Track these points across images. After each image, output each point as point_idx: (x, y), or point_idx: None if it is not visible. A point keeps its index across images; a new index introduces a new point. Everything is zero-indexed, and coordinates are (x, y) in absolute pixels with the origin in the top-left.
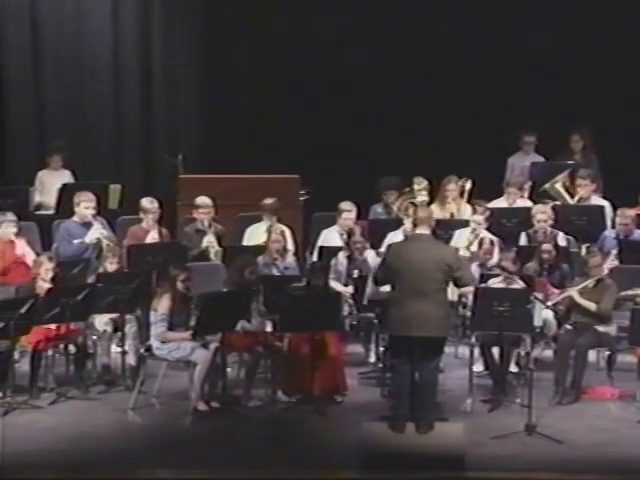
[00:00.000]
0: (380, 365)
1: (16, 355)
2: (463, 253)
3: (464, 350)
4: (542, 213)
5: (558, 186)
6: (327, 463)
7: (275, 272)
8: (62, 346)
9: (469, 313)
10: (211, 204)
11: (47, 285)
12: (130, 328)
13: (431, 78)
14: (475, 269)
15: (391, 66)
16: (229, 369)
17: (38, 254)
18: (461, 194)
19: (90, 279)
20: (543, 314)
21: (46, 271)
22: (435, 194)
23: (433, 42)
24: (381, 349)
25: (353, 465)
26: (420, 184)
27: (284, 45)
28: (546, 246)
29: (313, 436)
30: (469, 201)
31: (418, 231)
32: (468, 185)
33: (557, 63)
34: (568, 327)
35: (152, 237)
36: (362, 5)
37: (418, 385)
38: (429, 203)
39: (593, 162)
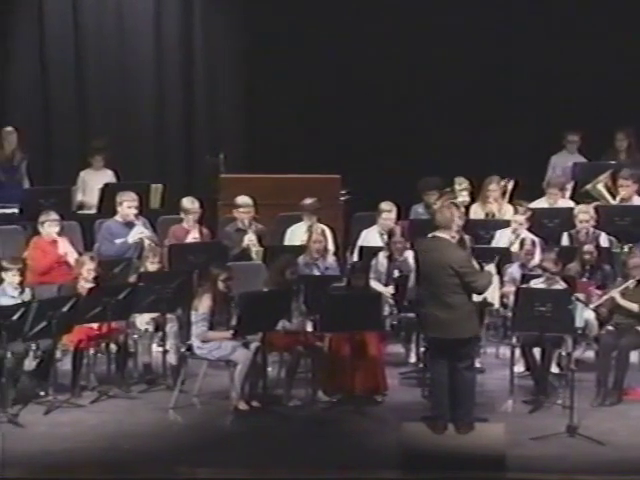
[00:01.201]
0: (420, 365)
1: (58, 354)
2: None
3: (505, 351)
4: (584, 213)
5: (600, 187)
6: (367, 463)
7: (316, 272)
8: (104, 345)
9: (510, 313)
10: (251, 203)
11: (89, 285)
12: (171, 327)
13: (474, 77)
14: (516, 270)
15: (433, 66)
16: (270, 368)
17: (80, 253)
18: (503, 194)
19: (131, 278)
20: (585, 315)
21: (88, 271)
22: (476, 194)
23: (474, 41)
24: (421, 349)
25: (393, 465)
26: (461, 184)
27: (327, 44)
28: (588, 247)
29: (353, 436)
30: (510, 201)
31: (437, 234)
32: (510, 185)
33: (603, 61)
34: (610, 328)
35: (193, 237)
36: (405, 5)
37: (455, 386)
38: (470, 203)
39: (638, 162)
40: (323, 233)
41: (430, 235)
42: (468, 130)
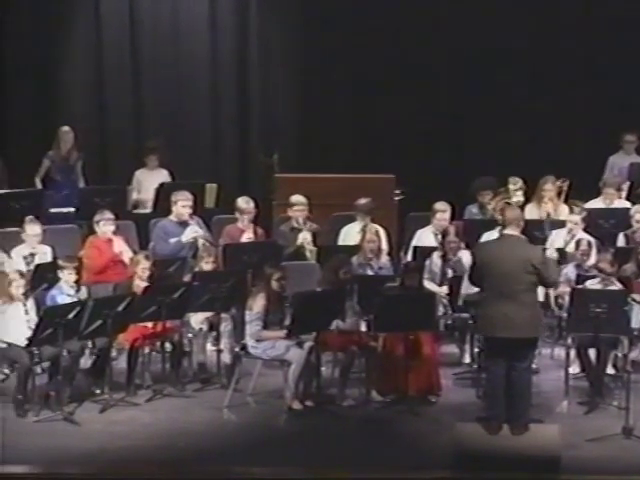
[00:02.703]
0: (475, 366)
1: (113, 353)
2: (551, 254)
3: (560, 352)
4: None
5: None
6: (420, 463)
7: (369, 272)
8: (158, 344)
9: (565, 314)
10: (305, 202)
11: (144, 284)
12: (225, 327)
13: (529, 77)
14: (572, 270)
15: (489, 65)
16: (323, 368)
17: (135, 252)
18: (558, 194)
19: (186, 278)
20: None
21: (143, 270)
22: (530, 194)
23: (530, 41)
24: (476, 350)
25: (446, 466)
26: (515, 184)
27: (381, 44)
28: None
29: (407, 436)
30: (566, 201)
31: (506, 232)
32: (566, 185)
33: None
34: None
35: (247, 237)
36: (457, 5)
37: (511, 386)
38: (524, 203)
39: None
40: (377, 233)
41: (498, 234)
42: (523, 129)
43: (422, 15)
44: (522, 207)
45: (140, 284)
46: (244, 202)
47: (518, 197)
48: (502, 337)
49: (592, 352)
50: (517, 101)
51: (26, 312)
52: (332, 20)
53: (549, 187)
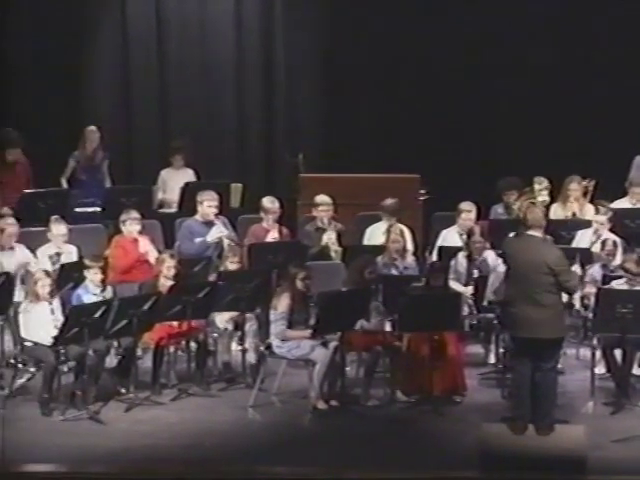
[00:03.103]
0: (500, 366)
1: (139, 352)
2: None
3: (585, 352)
4: None
5: None
6: (445, 463)
7: (394, 272)
8: (184, 343)
9: (591, 315)
10: (331, 202)
11: (169, 282)
12: (250, 326)
13: (553, 77)
14: (598, 270)
15: (514, 65)
16: (348, 368)
17: (160, 252)
18: (584, 194)
19: (211, 277)
20: None
21: (168, 268)
22: (556, 194)
23: (552, 40)
24: (501, 350)
25: (472, 466)
26: (541, 184)
27: (406, 44)
28: None
29: (432, 436)
30: (592, 201)
31: (528, 233)
32: (592, 185)
33: None
34: None
35: (272, 236)
36: (484, 5)
37: (536, 387)
38: (550, 203)
39: None
40: (402, 233)
41: (519, 234)
42: (548, 129)
43: (449, 15)
44: (547, 207)
45: (165, 283)
46: (269, 202)
47: (543, 197)
48: (526, 337)
49: (618, 352)
50: (543, 100)
51: (52, 311)
52: (358, 20)
53: (575, 187)
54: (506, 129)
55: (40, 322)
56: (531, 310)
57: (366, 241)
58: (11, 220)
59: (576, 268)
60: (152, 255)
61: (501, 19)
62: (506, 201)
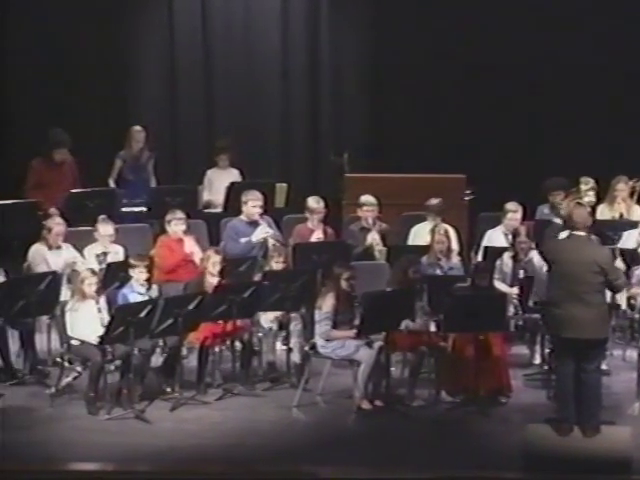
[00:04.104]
0: (545, 367)
1: (184, 351)
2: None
3: (632, 353)
4: None
5: None
6: (490, 464)
7: (439, 272)
8: (229, 343)
9: (638, 315)
10: (375, 202)
11: (215, 280)
12: (295, 326)
13: (601, 76)
14: None
15: (561, 66)
16: (393, 368)
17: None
18: (631, 194)
19: (256, 277)
20: None
21: (214, 264)
22: (603, 194)
23: (593, 39)
24: (546, 351)
25: (516, 467)
26: (587, 184)
27: (452, 44)
28: None
29: (476, 437)
30: (639, 201)
31: (574, 232)
32: (639, 186)
33: None
34: None
35: (317, 237)
36: (532, 6)
37: (581, 388)
38: (596, 203)
39: None
40: (446, 233)
41: (566, 234)
42: (595, 129)
43: (496, 14)
44: (594, 207)
45: (211, 281)
46: (314, 202)
47: (590, 197)
48: (569, 337)
49: None
50: (590, 100)
51: (99, 310)
52: (404, 19)
53: (622, 187)
54: (553, 129)
55: (87, 321)
56: (577, 310)
57: (411, 241)
58: (59, 220)
59: (621, 268)
60: (197, 255)
61: (547, 19)
62: (552, 201)
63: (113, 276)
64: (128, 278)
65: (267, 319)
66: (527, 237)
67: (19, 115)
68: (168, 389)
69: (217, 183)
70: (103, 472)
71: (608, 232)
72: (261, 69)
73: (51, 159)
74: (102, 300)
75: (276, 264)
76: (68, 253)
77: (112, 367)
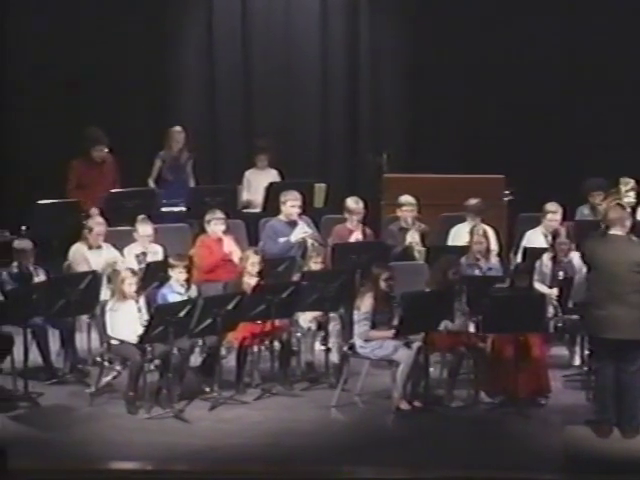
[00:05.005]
0: (585, 368)
1: (223, 351)
2: None
3: None
4: None
5: None
6: (529, 465)
7: (478, 273)
8: (267, 343)
9: None
10: (414, 202)
11: (254, 280)
12: (334, 326)
13: (637, 76)
14: None
15: (598, 66)
16: (432, 369)
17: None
18: None
19: (295, 277)
20: None
21: (252, 265)
22: None
23: (636, 39)
24: (586, 352)
25: (556, 468)
26: (627, 185)
27: (492, 44)
28: None
29: (515, 438)
30: None
31: (611, 232)
32: None
33: None
34: None
35: (356, 237)
36: (569, 4)
37: (621, 389)
38: (636, 204)
39: None
40: (485, 234)
41: (602, 234)
42: (635, 129)
43: (533, 14)
44: (634, 208)
45: (250, 281)
46: (354, 202)
47: (630, 198)
48: (609, 338)
49: None
50: (631, 100)
51: (138, 310)
52: (443, 19)
53: None
54: (592, 129)
55: (126, 320)
56: (618, 310)
57: (450, 241)
58: (99, 219)
59: None
60: (236, 255)
61: (586, 15)
62: (592, 202)
63: (152, 276)
64: (167, 278)
65: (306, 319)
66: (567, 238)
67: (61, 115)
68: (207, 389)
69: (256, 183)
70: (142, 471)
71: None
72: (300, 69)
73: (91, 159)
74: (142, 300)
75: (315, 264)
76: (108, 253)
77: (151, 366)
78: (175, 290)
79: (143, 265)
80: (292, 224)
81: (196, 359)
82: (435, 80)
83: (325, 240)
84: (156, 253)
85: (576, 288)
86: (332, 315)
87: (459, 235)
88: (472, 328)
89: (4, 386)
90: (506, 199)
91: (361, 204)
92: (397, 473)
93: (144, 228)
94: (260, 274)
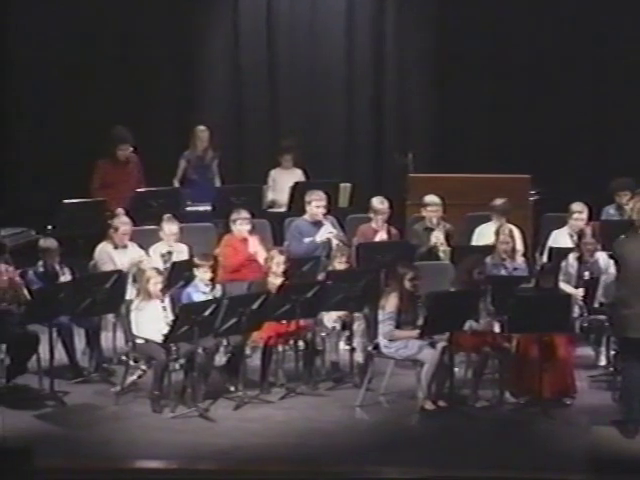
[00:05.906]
0: (611, 368)
1: (248, 350)
2: None
3: None
4: None
5: None
6: (554, 466)
7: (503, 273)
8: (292, 342)
9: None
10: (440, 202)
11: (279, 280)
12: (358, 326)
13: None
14: None
15: (623, 65)
16: (456, 369)
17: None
18: None
19: (320, 277)
20: None
21: (277, 264)
22: None
23: None
24: (612, 352)
25: (581, 469)
26: None
27: (519, 43)
28: None
29: (541, 438)
30: None
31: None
32: None
33: None
34: None
35: (381, 237)
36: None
37: None
38: None
39: None
40: (511, 234)
41: (631, 234)
42: None
43: (563, 13)
44: None
45: (275, 281)
46: (379, 202)
47: None
48: (636, 338)
49: None
50: None
51: (163, 309)
52: (469, 19)
53: None
54: (619, 129)
55: (151, 319)
56: None
57: (475, 241)
58: (125, 219)
59: None
60: (261, 255)
61: (619, 15)
62: (618, 202)
63: (178, 275)
64: (192, 277)
65: (330, 319)
66: (593, 238)
67: (88, 114)
68: (232, 388)
69: (281, 183)
70: (167, 470)
71: None
72: (325, 69)
73: (116, 158)
74: (167, 299)
75: (339, 264)
76: (134, 252)
77: (176, 366)
78: (200, 289)
79: (168, 264)
80: (317, 224)
81: (221, 358)
82: (461, 80)
83: (350, 240)
84: (181, 252)
85: (604, 288)
86: (357, 315)
87: (483, 235)
88: (497, 328)
89: (30, 385)
90: (532, 199)
91: (386, 204)
92: (422, 473)
93: (170, 227)
94: (285, 274)
